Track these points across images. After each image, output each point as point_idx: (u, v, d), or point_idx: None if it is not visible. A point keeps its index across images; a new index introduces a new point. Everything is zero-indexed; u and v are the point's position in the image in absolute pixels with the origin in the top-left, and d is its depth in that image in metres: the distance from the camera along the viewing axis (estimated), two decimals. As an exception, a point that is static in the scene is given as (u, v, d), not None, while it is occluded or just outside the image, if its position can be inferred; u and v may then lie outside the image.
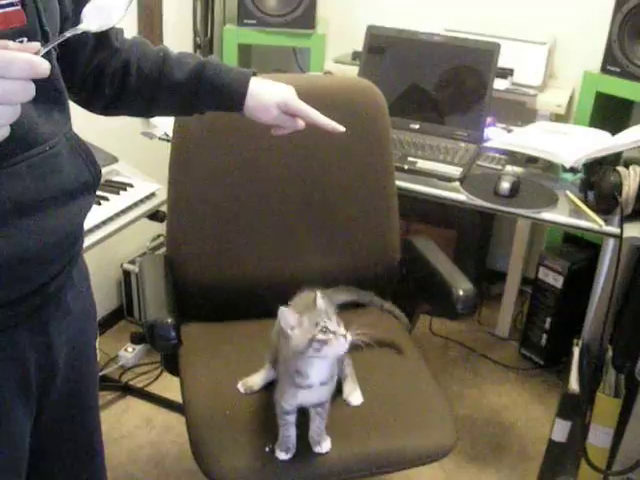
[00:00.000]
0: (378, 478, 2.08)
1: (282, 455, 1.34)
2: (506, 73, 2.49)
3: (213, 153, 1.64)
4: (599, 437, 2.00)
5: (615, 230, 1.74)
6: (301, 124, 1.19)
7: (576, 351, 2.03)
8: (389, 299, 1.80)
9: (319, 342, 1.17)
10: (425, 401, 1.50)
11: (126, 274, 2.61)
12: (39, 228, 0.90)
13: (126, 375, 2.44)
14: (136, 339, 2.42)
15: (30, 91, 0.69)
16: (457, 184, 1.90)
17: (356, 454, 1.35)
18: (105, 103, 1.17)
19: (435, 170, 1.93)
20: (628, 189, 1.74)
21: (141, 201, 1.91)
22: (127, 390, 2.37)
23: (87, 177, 0.99)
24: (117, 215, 1.81)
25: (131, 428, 2.23)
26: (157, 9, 2.51)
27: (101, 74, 1.14)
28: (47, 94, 0.91)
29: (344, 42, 2.78)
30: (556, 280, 2.48)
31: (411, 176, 1.93)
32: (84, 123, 1.18)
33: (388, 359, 1.62)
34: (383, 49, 2.27)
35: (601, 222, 1.76)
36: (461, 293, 1.51)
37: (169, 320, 1.34)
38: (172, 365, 1.59)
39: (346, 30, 2.82)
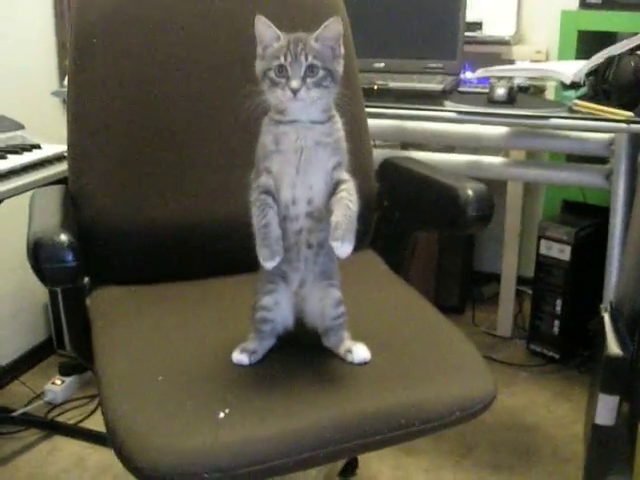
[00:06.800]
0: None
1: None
2: (475, 27, 2.20)
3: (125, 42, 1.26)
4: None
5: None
6: None
7: (606, 316, 1.65)
8: (368, 246, 1.39)
9: (270, 80, 0.87)
10: (444, 344, 1.08)
11: (53, 296, 2.16)
12: None
13: (54, 412, 1.99)
14: (66, 370, 2.07)
15: None
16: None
17: (361, 412, 0.91)
18: None
19: (411, 87, 1.56)
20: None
21: (49, 162, 1.52)
22: (54, 428, 1.93)
23: None
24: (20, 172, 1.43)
25: (58, 472, 1.77)
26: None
27: None
28: None
29: None
30: (562, 252, 2.10)
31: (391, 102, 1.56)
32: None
33: (385, 304, 1.20)
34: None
35: (629, 113, 1.40)
36: (470, 193, 1.13)
37: (63, 236, 0.92)
38: (84, 344, 1.14)
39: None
